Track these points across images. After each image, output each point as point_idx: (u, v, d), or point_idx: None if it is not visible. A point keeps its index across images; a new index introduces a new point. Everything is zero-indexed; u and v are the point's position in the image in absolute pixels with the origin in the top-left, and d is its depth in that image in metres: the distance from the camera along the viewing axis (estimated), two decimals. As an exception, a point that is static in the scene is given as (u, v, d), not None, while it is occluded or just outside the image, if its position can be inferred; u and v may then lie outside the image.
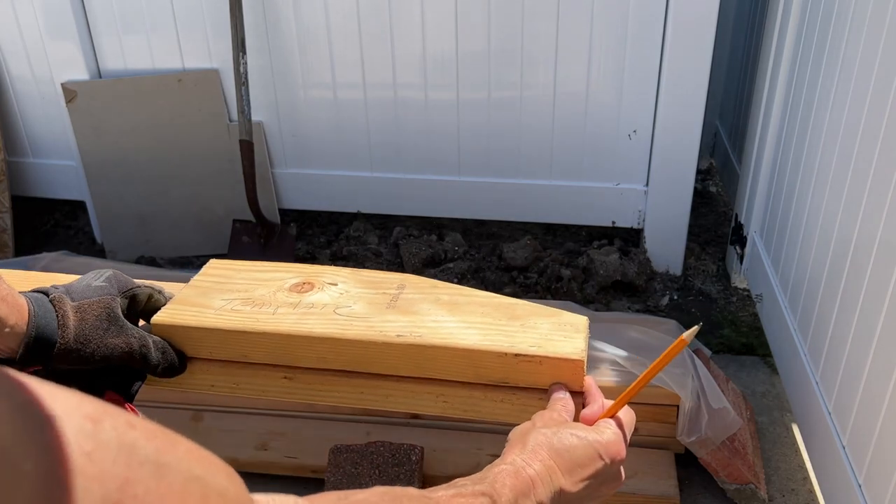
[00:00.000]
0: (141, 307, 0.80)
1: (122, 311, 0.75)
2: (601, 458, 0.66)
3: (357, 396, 0.75)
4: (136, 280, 0.79)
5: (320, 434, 1.75)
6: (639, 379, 0.73)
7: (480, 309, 0.77)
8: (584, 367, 0.70)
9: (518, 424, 0.69)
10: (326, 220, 2.80)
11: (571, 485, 0.64)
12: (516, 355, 0.70)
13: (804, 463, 1.73)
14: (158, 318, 0.77)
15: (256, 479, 1.72)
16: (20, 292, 0.71)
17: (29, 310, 0.69)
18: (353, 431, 1.74)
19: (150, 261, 2.64)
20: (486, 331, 0.73)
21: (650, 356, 1.69)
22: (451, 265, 2.46)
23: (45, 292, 0.73)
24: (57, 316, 0.69)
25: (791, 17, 1.96)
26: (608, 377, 1.67)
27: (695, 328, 0.70)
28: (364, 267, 2.51)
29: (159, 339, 0.76)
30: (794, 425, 1.83)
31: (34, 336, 0.68)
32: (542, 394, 0.71)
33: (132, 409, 0.74)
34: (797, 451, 1.77)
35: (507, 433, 0.72)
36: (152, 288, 0.80)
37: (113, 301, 0.73)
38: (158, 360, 0.75)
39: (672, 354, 0.68)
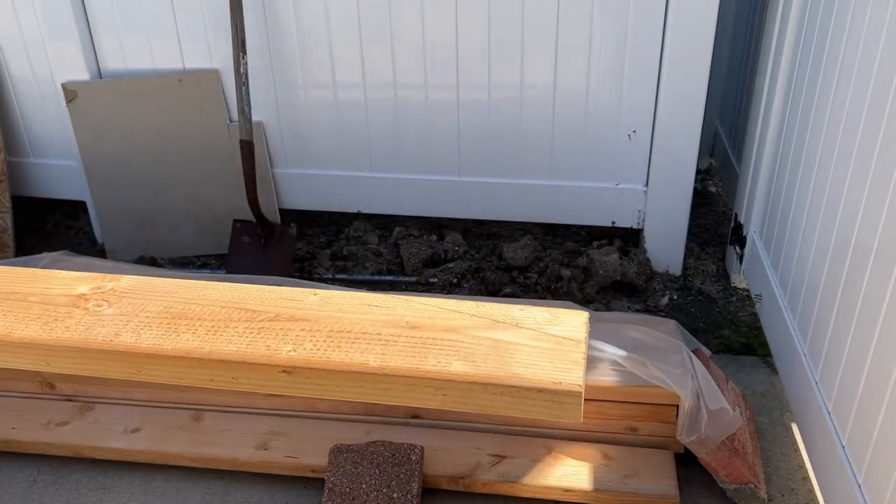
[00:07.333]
0: None
1: None
2: None
3: (357, 391, 0.76)
4: None
5: (320, 434, 1.75)
6: None
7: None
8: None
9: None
10: (326, 220, 2.80)
11: None
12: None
13: (804, 463, 1.73)
14: None
15: (256, 479, 1.73)
16: None
17: None
18: (353, 431, 1.74)
19: (150, 261, 2.65)
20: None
21: (650, 356, 1.69)
22: (451, 265, 2.46)
23: None
24: None
25: (791, 16, 1.96)
26: (608, 377, 1.67)
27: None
28: (364, 267, 2.52)
29: None
30: (794, 425, 1.83)
31: None
32: (542, 388, 0.72)
33: None
34: (797, 450, 1.77)
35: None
36: None
37: None
38: None
39: None
